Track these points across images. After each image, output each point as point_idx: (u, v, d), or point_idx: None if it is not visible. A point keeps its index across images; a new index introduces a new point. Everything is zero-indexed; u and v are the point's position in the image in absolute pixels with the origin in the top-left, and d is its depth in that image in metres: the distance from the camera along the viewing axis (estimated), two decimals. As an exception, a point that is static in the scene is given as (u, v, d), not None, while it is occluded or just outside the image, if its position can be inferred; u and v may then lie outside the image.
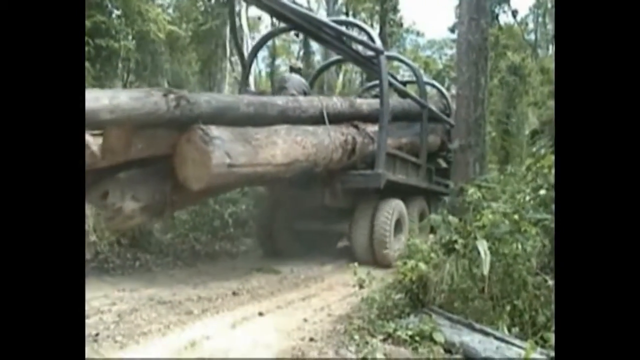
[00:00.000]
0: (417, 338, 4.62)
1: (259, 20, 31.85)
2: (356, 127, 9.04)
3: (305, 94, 9.24)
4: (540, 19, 26.36)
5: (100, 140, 5.95)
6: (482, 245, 4.69)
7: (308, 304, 6.33)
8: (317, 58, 30.06)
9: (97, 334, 4.60)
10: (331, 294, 6.94)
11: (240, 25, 21.27)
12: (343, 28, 9.24)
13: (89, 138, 5.94)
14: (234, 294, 6.51)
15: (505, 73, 21.65)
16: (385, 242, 8.86)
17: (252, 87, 21.54)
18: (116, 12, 16.40)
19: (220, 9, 21.70)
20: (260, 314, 5.66)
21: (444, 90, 14.09)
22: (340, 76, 30.13)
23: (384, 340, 4.67)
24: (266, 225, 9.63)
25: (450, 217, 5.92)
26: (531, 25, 26.91)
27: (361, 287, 5.69)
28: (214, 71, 21.68)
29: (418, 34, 29.08)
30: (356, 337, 4.74)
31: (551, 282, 4.97)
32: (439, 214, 6.19)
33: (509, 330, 4.70)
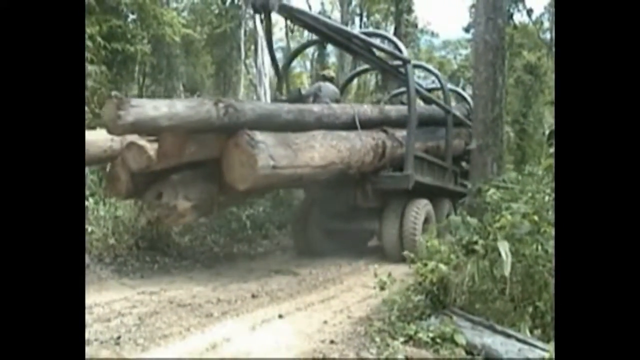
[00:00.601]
0: (438, 340, 4.60)
1: (274, 23, 31.91)
2: (385, 132, 9.53)
3: (337, 101, 9.76)
4: (555, 18, 26.22)
5: (155, 145, 6.70)
6: (504, 246, 4.65)
7: (327, 305, 6.32)
8: (332, 60, 30.09)
9: (119, 337, 4.63)
10: (350, 295, 6.93)
11: (255, 27, 21.27)
12: (373, 39, 9.83)
13: (145, 143, 6.80)
14: (253, 296, 6.52)
15: (521, 72, 21.55)
16: (414, 240, 9.00)
17: (268, 89, 21.60)
18: (131, 16, 16.51)
19: (235, 11, 21.76)
20: (280, 316, 5.66)
21: (466, 95, 14.20)
22: (355, 79, 30.06)
23: (405, 342, 4.65)
24: (300, 225, 10.06)
25: (469, 218, 5.89)
26: (546, 24, 26.78)
27: (382, 289, 5.67)
28: (229, 74, 21.73)
29: (432, 34, 29.05)
30: (377, 339, 4.73)
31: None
32: (458, 214, 6.16)
33: (531, 332, 4.67)
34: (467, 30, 30.06)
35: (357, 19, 27.27)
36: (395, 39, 10.91)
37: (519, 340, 4.43)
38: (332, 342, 4.81)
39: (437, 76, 13.18)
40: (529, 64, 21.97)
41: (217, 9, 23.20)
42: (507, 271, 4.57)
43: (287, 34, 31.14)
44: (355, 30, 10.58)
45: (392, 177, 9.30)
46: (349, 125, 8.81)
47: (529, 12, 19.96)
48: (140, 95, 18.48)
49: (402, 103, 11.67)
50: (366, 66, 12.93)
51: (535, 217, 5.22)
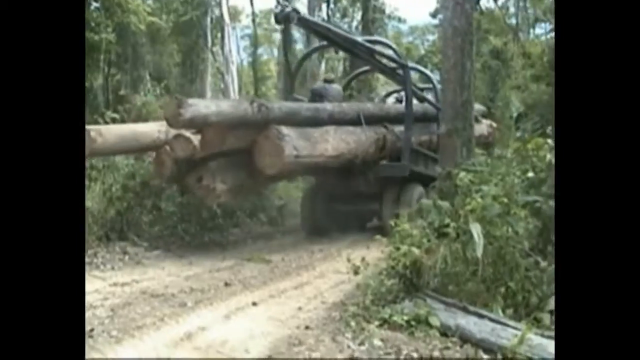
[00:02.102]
0: (412, 322, 4.64)
1: (241, 10, 31.73)
2: (386, 127, 10.87)
3: (342, 99, 11.16)
4: (521, 4, 26.41)
5: (198, 136, 8.23)
6: (476, 229, 4.70)
7: (301, 292, 6.33)
8: (300, 47, 29.95)
9: (92, 330, 4.57)
10: (323, 281, 6.95)
11: (221, 15, 21.07)
12: (375, 45, 11.32)
13: (190, 135, 8.36)
14: (227, 284, 6.50)
15: (488, 57, 21.72)
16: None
17: (235, 76, 21.46)
18: (95, 4, 16.20)
19: (200, -1, 21.51)
20: (254, 303, 5.66)
21: (435, 82, 14.60)
22: (323, 65, 30.01)
23: (380, 325, 4.68)
24: (309, 207, 11.23)
25: (441, 202, 5.94)
26: (512, 10, 26.99)
27: (356, 273, 5.70)
28: (196, 62, 21.51)
29: (400, 20, 28.83)
30: (352, 323, 4.75)
31: (543, 264, 5.00)
32: (429, 198, 6.21)
33: (503, 312, 4.73)
34: (434, 15, 30.22)
35: (324, 5, 27.07)
36: (393, 45, 12.63)
37: (491, 320, 4.49)
38: (307, 327, 4.83)
39: (429, 77, 14.08)
40: (495, 49, 22.18)
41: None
42: (479, 253, 4.63)
43: (253, 20, 31.02)
44: (359, 37, 11.84)
45: (392, 166, 10.68)
46: (355, 121, 10.09)
47: (495, -3, 20.15)
48: (105, 84, 18.22)
49: (398, 100, 13.12)
50: (366, 67, 13.89)
51: (505, 199, 5.28)
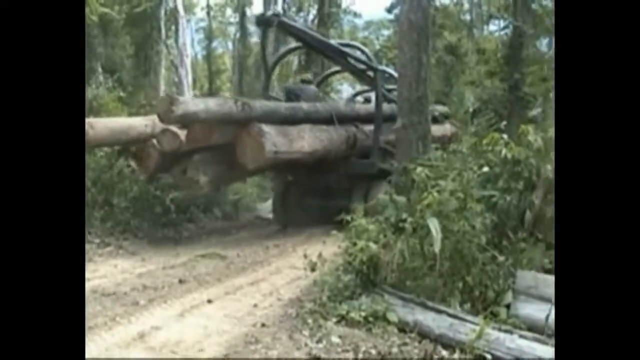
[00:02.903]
0: (370, 319, 4.61)
1: (195, 3, 31.21)
2: (356, 126, 11.35)
3: (317, 99, 11.71)
4: (475, 0, 26.73)
5: (185, 132, 8.78)
6: (433, 223, 4.69)
7: (257, 288, 6.25)
8: (254, 39, 29.73)
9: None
10: (279, 277, 6.88)
11: (176, 7, 20.70)
12: (348, 49, 11.86)
13: (177, 130, 8.87)
14: (181, 281, 6.36)
15: (442, 53, 21.85)
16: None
17: (189, 70, 21.14)
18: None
19: (154, -11, 21.06)
20: (209, 301, 5.56)
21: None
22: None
23: (338, 322, 4.64)
24: (282, 201, 11.68)
25: (397, 197, 5.92)
26: (466, 6, 27.22)
27: (313, 270, 5.64)
28: (150, 54, 21.02)
29: (355, 14, 28.80)
30: (309, 320, 4.70)
31: (501, 258, 5.02)
32: (385, 193, 6.19)
33: (461, 307, 4.74)
34: (389, 10, 30.28)
35: (280, 0, 26.90)
36: (366, 49, 13.28)
37: (449, 315, 4.50)
38: (263, 325, 4.76)
39: (397, 79, 14.08)
40: (449, 44, 22.32)
41: (136, -12, 22.39)
42: (437, 247, 4.61)
43: (208, 13, 30.67)
44: (333, 41, 12.82)
45: (361, 163, 11.01)
46: (328, 120, 10.63)
47: (450, -7, 20.29)
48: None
49: (366, 100, 13.90)
50: (337, 68, 14.24)
51: (462, 194, 5.28)
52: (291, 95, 11.29)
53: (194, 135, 8.69)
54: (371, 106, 12.02)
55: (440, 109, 15.25)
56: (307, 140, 9.63)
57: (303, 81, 12.51)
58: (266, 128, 8.70)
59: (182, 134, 8.84)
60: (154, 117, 8.91)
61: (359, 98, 14.98)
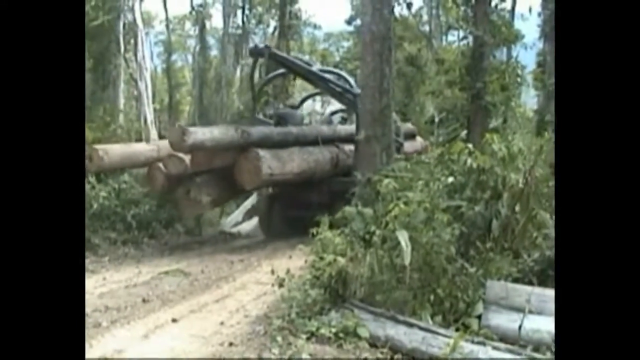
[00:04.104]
0: (341, 335, 4.51)
1: (154, 16, 30.95)
2: (337, 147, 12.20)
3: (302, 123, 12.84)
4: (434, 11, 27.03)
5: (188, 156, 9.79)
6: (403, 236, 4.61)
7: (222, 305, 6.10)
8: (214, 53, 29.59)
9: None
10: (245, 293, 6.74)
11: (134, 20, 20.40)
12: (330, 75, 13.09)
13: (183, 155, 9.85)
14: (144, 300, 6.17)
15: (402, 64, 22.01)
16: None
17: (149, 83, 20.83)
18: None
19: (112, 3, 20.71)
20: (174, 320, 5.39)
21: (397, 119, 15.61)
22: (238, 71, 29.72)
23: (308, 339, 4.51)
24: (267, 214, 12.44)
25: (364, 209, 5.85)
26: (425, 17, 27.53)
27: (281, 285, 5.51)
28: (109, 68, 20.65)
29: (315, 26, 28.90)
30: (278, 338, 4.56)
31: (472, 269, 4.98)
32: (352, 205, 6.12)
33: (432, 319, 4.67)
34: (349, 22, 30.46)
35: (239, 12, 26.76)
36: (347, 76, 14.01)
37: (421, 328, 4.42)
38: (231, 344, 4.62)
39: None
40: (409, 55, 22.51)
41: (93, 1, 21.95)
42: (407, 260, 4.54)
43: (167, 26, 30.36)
44: (315, 67, 13.35)
45: (342, 181, 11.30)
46: (314, 142, 11.58)
47: (409, 5, 20.33)
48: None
49: (343, 119, 14.95)
50: (316, 91, 15.14)
51: (428, 205, 5.23)
52: (280, 120, 12.16)
53: (198, 160, 9.72)
54: (351, 127, 12.58)
55: (409, 127, 15.98)
56: (296, 162, 10.63)
57: (291, 106, 13.79)
58: (262, 152, 9.73)
59: (187, 158, 9.87)
60: (159, 143, 10.83)
61: (339, 115, 15.68)
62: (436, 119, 7.34)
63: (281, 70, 14.08)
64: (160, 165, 10.32)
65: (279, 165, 10.09)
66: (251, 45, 16.22)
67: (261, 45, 12.44)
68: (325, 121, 15.81)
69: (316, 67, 13.74)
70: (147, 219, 10.58)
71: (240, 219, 14.24)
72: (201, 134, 9.09)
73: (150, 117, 19.01)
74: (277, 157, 10.10)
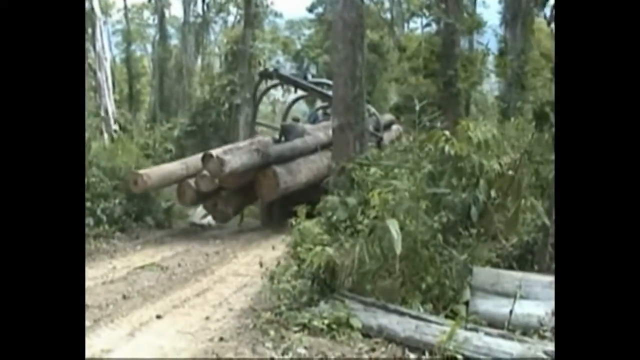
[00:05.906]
0: (334, 326, 4.47)
1: (112, 4, 30.25)
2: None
3: (303, 134, 13.79)
4: (395, -1, 27.16)
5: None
6: (393, 225, 4.59)
7: (204, 299, 6.02)
8: (175, 42, 29.19)
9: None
10: (224, 286, 6.66)
11: (92, 9, 19.91)
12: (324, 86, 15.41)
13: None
14: (125, 297, 6.03)
15: (365, 51, 22.02)
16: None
17: (109, 74, 20.38)
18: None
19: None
20: (158, 316, 5.28)
21: (377, 114, 16.23)
22: (199, 60, 29.37)
23: (300, 331, 4.48)
24: (268, 208, 13.55)
25: (348, 198, 5.84)
26: (387, 4, 27.57)
27: (272, 279, 5.46)
28: (66, 58, 20.25)
29: (276, 14, 28.64)
30: (270, 331, 4.51)
31: (461, 257, 5.00)
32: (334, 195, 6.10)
33: (422, 307, 4.68)
34: (310, 10, 30.30)
35: (199, 0, 26.43)
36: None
37: (413, 317, 4.43)
38: (221, 339, 4.54)
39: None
40: (372, 42, 22.52)
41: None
42: (398, 249, 4.52)
43: (125, 15, 29.79)
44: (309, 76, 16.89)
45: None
46: (314, 149, 13.11)
47: (370, -8, 20.46)
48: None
49: (326, 114, 16.13)
50: (302, 94, 17.77)
51: (419, 193, 5.23)
52: (285, 132, 13.43)
53: (226, 179, 11.34)
54: None
55: (388, 117, 17.29)
56: (303, 172, 12.33)
57: (294, 119, 15.09)
58: (279, 170, 11.56)
59: (216, 177, 11.28)
60: (186, 161, 12.37)
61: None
62: (417, 107, 7.24)
63: (275, 81, 15.94)
64: (191, 182, 11.73)
65: (291, 178, 11.90)
66: (261, 68, 19.38)
67: (270, 69, 16.14)
68: (311, 116, 17.68)
69: (309, 77, 16.71)
70: (117, 212, 10.40)
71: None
72: (234, 162, 10.69)
73: (111, 108, 18.59)
74: (290, 171, 11.92)
